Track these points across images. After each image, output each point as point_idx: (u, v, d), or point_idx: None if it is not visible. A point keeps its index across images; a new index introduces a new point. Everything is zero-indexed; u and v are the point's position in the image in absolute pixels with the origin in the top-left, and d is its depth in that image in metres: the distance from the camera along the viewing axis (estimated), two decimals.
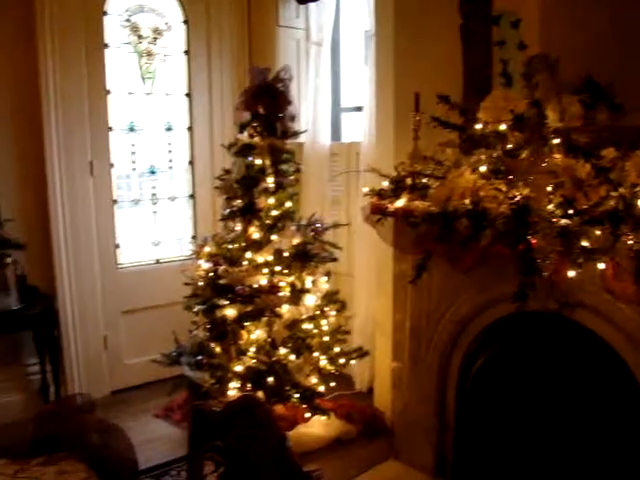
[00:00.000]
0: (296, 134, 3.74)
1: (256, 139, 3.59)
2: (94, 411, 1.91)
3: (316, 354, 3.68)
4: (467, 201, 2.58)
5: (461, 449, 3.16)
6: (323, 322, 3.72)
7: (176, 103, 4.54)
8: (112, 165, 4.28)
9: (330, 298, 3.78)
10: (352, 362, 3.90)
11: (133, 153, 4.39)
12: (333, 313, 3.77)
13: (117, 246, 4.40)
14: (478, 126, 2.70)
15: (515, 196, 2.46)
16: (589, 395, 2.64)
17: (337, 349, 3.77)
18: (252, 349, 3.60)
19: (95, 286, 4.25)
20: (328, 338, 3.74)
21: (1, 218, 3.81)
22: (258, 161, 3.59)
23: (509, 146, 2.62)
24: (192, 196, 4.68)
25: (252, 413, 1.47)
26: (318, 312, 3.70)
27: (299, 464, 1.34)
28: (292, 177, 3.72)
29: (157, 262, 4.60)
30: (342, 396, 4.14)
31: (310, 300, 3.66)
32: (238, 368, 3.58)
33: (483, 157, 2.67)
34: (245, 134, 3.64)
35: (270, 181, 3.59)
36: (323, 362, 3.72)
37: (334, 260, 3.79)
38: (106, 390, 4.37)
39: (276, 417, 1.47)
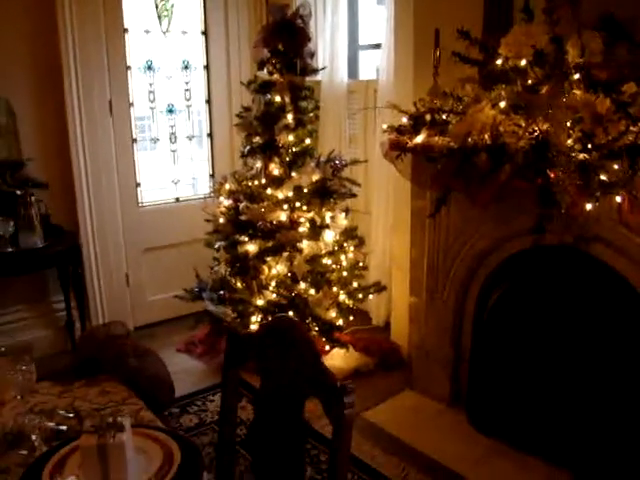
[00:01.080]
0: (315, 71, 3.75)
1: (275, 76, 3.60)
2: (129, 337, 2.00)
3: (335, 289, 3.76)
4: (486, 136, 2.60)
5: (475, 380, 3.27)
6: (342, 257, 3.80)
7: (193, 41, 4.53)
8: (131, 104, 4.30)
9: (349, 234, 3.85)
10: (370, 297, 3.99)
11: (151, 92, 4.41)
12: (352, 249, 3.84)
13: (138, 185, 4.46)
14: (498, 62, 2.70)
15: (534, 131, 2.48)
16: (603, 328, 2.71)
17: (355, 284, 3.86)
18: (273, 283, 3.70)
19: (117, 224, 4.33)
20: (347, 273, 3.82)
21: (23, 158, 3.86)
22: (277, 98, 3.61)
23: (529, 82, 2.63)
24: (210, 135, 4.71)
25: (287, 332, 1.55)
26: (337, 248, 3.78)
27: (334, 379, 1.42)
28: (311, 114, 3.74)
29: (177, 200, 4.66)
30: (360, 330, 4.24)
31: (329, 236, 3.73)
32: (260, 302, 3.68)
33: (503, 93, 2.69)
34: (264, 71, 3.65)
35: (290, 118, 3.62)
36: (342, 296, 3.81)
37: (353, 196, 3.84)
38: (129, 326, 4.49)
39: (311, 338, 1.54)
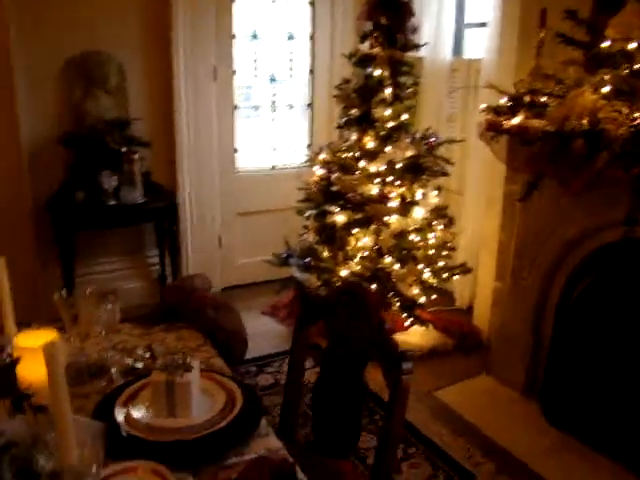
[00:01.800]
0: (417, 47, 3.73)
1: (376, 50, 3.60)
2: (210, 289, 2.10)
3: (420, 266, 3.76)
4: (585, 121, 2.53)
5: (552, 371, 3.21)
6: (430, 235, 3.79)
7: (299, 11, 4.59)
8: (234, 72, 4.42)
9: (438, 213, 3.83)
10: (455, 277, 3.97)
11: (255, 61, 4.50)
12: (440, 228, 3.82)
13: (236, 150, 4.59)
14: (605, 44, 2.61)
15: (636, 118, 2.40)
16: None
17: (441, 263, 3.84)
18: (358, 255, 3.74)
19: (213, 187, 4.48)
20: (433, 252, 3.81)
21: (129, 117, 4.06)
22: (377, 72, 3.62)
23: (636, 66, 2.53)
24: (310, 105, 4.77)
25: (356, 296, 1.59)
26: (425, 225, 3.77)
27: (397, 344, 1.46)
28: (410, 90, 3.73)
29: (273, 168, 4.77)
30: (442, 310, 4.23)
31: (418, 212, 3.72)
32: (344, 272, 3.73)
33: (607, 77, 2.60)
34: (366, 44, 3.66)
35: (388, 92, 3.62)
36: (426, 274, 3.80)
37: (445, 175, 3.82)
38: (218, 286, 4.65)
39: (378, 302, 1.59)
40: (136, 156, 3.87)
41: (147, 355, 1.65)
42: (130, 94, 4.08)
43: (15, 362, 1.27)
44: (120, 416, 1.42)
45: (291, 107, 4.73)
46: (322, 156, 3.92)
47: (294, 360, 1.86)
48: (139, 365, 1.68)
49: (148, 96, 4.16)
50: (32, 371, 1.30)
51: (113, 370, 1.66)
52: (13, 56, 3.72)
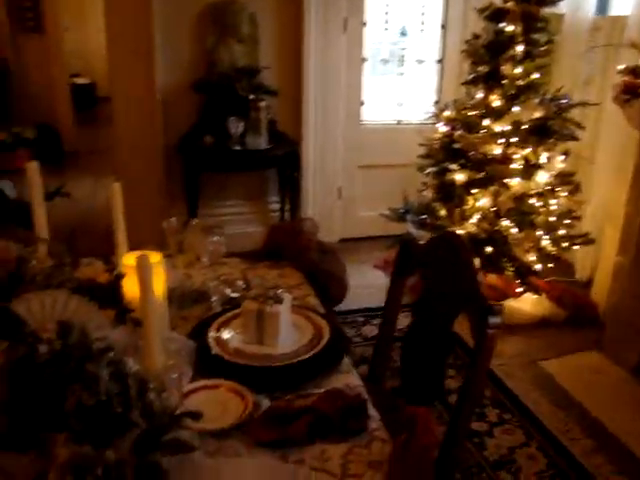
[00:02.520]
0: (554, 2, 3.55)
1: (510, 4, 3.47)
2: (317, 234, 2.16)
3: (539, 232, 3.65)
4: None
5: None
6: (552, 202, 3.65)
7: None
8: (365, 24, 4.41)
9: (564, 179, 3.68)
10: (575, 248, 3.82)
11: (386, 13, 4.46)
12: (564, 194, 3.68)
13: (362, 103, 4.60)
14: None
15: None
16: None
17: (562, 231, 3.71)
18: (476, 216, 3.68)
19: (337, 138, 4.53)
20: (554, 219, 3.68)
21: (259, 65, 4.17)
22: (509, 27, 3.49)
23: None
24: (440, 61, 4.68)
25: (452, 247, 1.59)
26: (548, 190, 3.64)
27: (486, 297, 1.45)
28: (543, 48, 3.57)
29: (398, 123, 4.75)
30: (558, 281, 4.09)
31: (542, 177, 3.60)
32: (459, 232, 3.68)
33: None
34: None
35: (519, 49, 3.49)
36: (545, 242, 3.69)
37: (575, 139, 3.65)
38: (335, 237, 4.73)
39: (471, 254, 1.58)
40: (263, 104, 3.97)
41: (243, 286, 1.74)
42: (261, 43, 4.18)
43: (120, 277, 1.39)
44: (212, 338, 1.52)
45: (420, 62, 4.67)
46: (447, 113, 3.86)
47: (388, 308, 1.90)
48: (237, 296, 1.77)
49: (278, 46, 4.24)
50: (136, 288, 1.41)
51: (214, 298, 1.76)
52: (153, 5, 3.91)
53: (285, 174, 4.28)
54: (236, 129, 3.90)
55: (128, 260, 1.42)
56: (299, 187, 4.39)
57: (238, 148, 3.91)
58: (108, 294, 1.39)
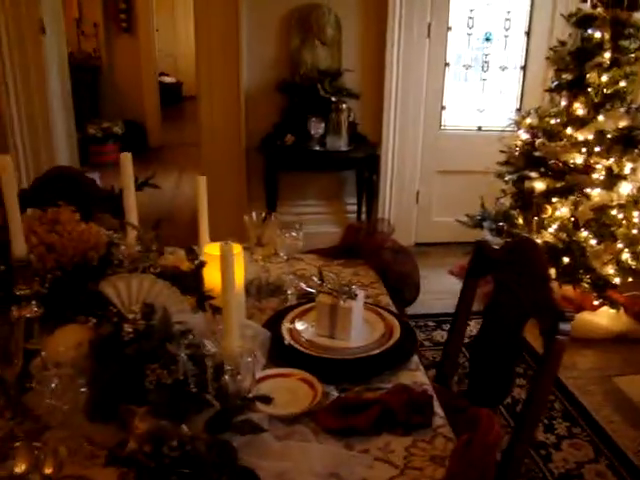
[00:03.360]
0: None
1: (599, 10, 3.40)
2: (392, 234, 2.19)
3: (619, 245, 3.56)
4: None
5: None
6: (635, 214, 3.56)
7: None
8: (449, 28, 4.40)
9: None
10: None
11: (471, 18, 4.44)
12: None
13: (443, 108, 4.60)
14: None
15: None
16: None
17: None
18: (554, 225, 3.62)
19: (416, 143, 4.54)
20: (637, 232, 3.58)
21: (341, 68, 4.23)
22: (597, 34, 3.42)
23: None
24: (523, 67, 4.62)
25: (526, 252, 1.60)
26: (631, 202, 3.54)
27: (558, 303, 1.45)
28: (632, 55, 3.47)
29: (478, 129, 4.71)
30: (638, 296, 3.97)
31: (625, 188, 3.50)
32: (536, 241, 3.63)
33: None
34: (588, 4, 3.47)
35: (606, 56, 3.42)
36: (626, 255, 3.59)
37: None
38: (410, 240, 4.74)
39: (546, 261, 1.58)
40: (344, 106, 4.04)
41: (318, 280, 1.79)
42: (344, 46, 4.25)
43: (201, 265, 1.46)
44: (286, 329, 1.58)
45: (503, 68, 4.62)
46: (528, 120, 3.81)
47: (459, 310, 1.91)
48: (312, 290, 1.82)
49: (361, 49, 4.29)
50: (216, 276, 1.48)
51: (289, 292, 1.82)
52: (241, 6, 4.03)
53: (363, 176, 4.32)
54: (317, 130, 3.97)
55: (210, 250, 1.49)
56: (377, 190, 4.42)
57: (318, 149, 3.99)
58: (190, 281, 1.46)
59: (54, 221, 1.45)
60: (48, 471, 1.19)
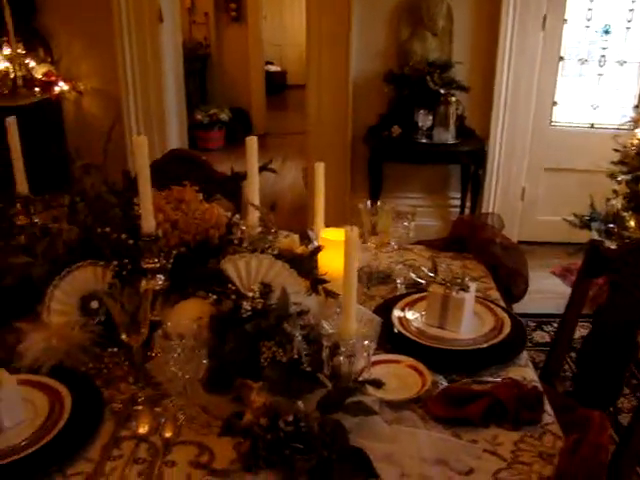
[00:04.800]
0: None
1: None
2: (502, 229, 2.16)
3: None
4: None
5: None
6: None
7: None
8: (565, 21, 4.26)
9: None
10: None
11: (589, 10, 4.28)
12: None
13: (554, 103, 4.46)
14: None
15: None
16: None
17: None
18: None
19: (525, 138, 4.43)
20: None
21: (451, 60, 4.18)
22: None
23: None
24: None
25: None
26: None
27: None
28: None
29: (591, 126, 4.54)
30: None
31: None
32: None
33: None
34: None
35: None
36: None
37: None
38: (513, 238, 4.60)
39: None
40: (453, 99, 4.00)
41: (432, 275, 1.79)
42: (455, 37, 4.20)
43: (317, 250, 1.49)
44: (396, 317, 1.59)
45: (622, 63, 4.42)
46: None
47: (568, 311, 1.86)
48: (422, 281, 1.83)
49: (472, 41, 4.23)
50: (330, 261, 1.51)
51: (398, 281, 1.84)
52: None
53: (469, 170, 4.27)
54: (424, 122, 3.95)
55: (327, 234, 1.52)
56: (482, 185, 4.35)
57: (424, 141, 3.97)
58: (305, 264, 1.49)
59: (179, 200, 1.52)
60: (168, 435, 1.25)
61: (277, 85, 10.83)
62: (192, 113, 7.03)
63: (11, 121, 1.72)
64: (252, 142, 1.53)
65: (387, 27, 4.24)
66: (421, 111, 3.97)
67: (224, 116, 7.57)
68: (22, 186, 1.75)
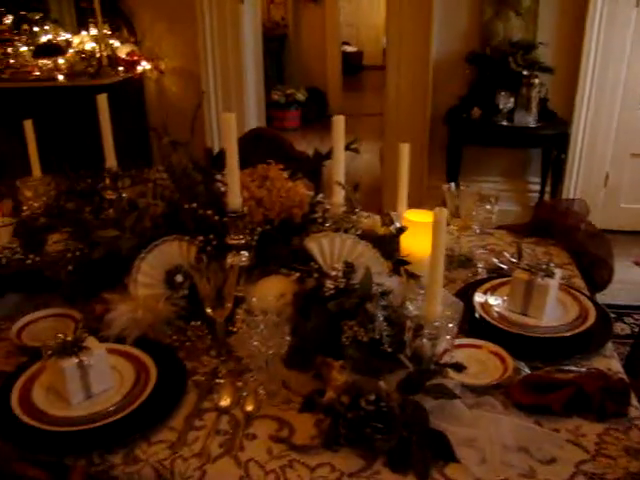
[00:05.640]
0: None
1: None
2: (587, 215, 2.10)
3: None
4: None
5: None
6: None
7: None
8: None
9: None
10: None
11: None
12: None
13: None
14: None
15: None
16: None
17: None
18: None
19: (611, 122, 4.27)
20: None
21: (535, 40, 4.05)
22: None
23: None
24: None
25: None
26: None
27: None
28: None
29: None
30: None
31: None
32: None
33: None
34: None
35: None
36: None
37: None
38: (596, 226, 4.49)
39: None
40: (536, 80, 3.89)
41: (514, 260, 1.76)
42: (540, 17, 4.06)
43: (400, 231, 1.48)
44: (477, 301, 1.57)
45: None
46: None
47: None
48: (504, 267, 1.80)
49: (558, 20, 4.08)
50: (413, 243, 1.50)
51: (479, 265, 1.81)
52: None
53: (550, 155, 4.16)
54: (505, 104, 3.86)
55: (411, 216, 1.51)
56: (563, 170, 4.23)
57: (505, 124, 3.88)
58: (387, 245, 1.49)
59: (264, 177, 1.53)
60: (249, 408, 1.28)
61: (353, 66, 10.79)
62: (269, 93, 7.08)
63: (102, 98, 1.77)
64: (339, 121, 1.53)
65: (469, 7, 4.15)
66: (502, 93, 3.88)
67: (300, 96, 7.59)
68: (111, 161, 1.80)
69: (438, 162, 4.20)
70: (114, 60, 4.62)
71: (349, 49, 11.01)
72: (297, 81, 8.02)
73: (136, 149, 4.53)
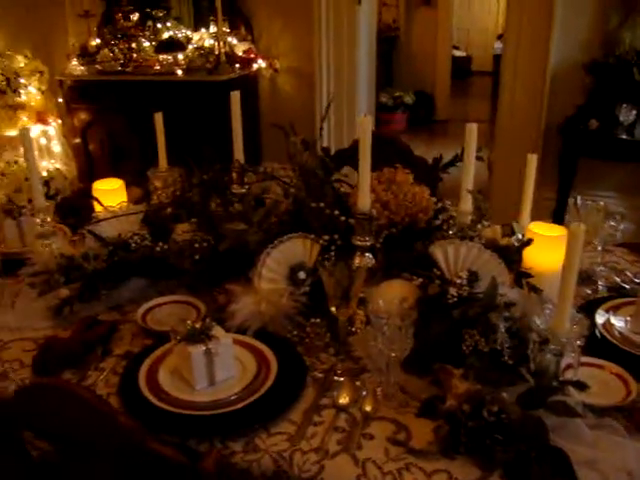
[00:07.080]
0: None
1: None
2: None
3: None
4: None
5: None
6: None
7: None
8: None
9: None
10: None
11: None
12: None
13: None
14: None
15: None
16: None
17: None
18: None
19: None
20: None
21: None
22: None
23: None
24: None
25: None
26: None
27: None
28: None
29: None
30: None
31: None
32: None
33: None
34: None
35: None
36: None
37: None
38: None
39: None
40: None
41: (637, 278, 1.71)
42: None
43: (527, 243, 1.47)
44: (599, 320, 1.54)
45: None
46: None
47: None
48: (626, 286, 1.74)
49: None
50: (536, 256, 1.49)
51: (600, 282, 1.76)
52: None
53: None
54: (627, 117, 3.72)
55: (536, 228, 1.50)
56: None
57: (625, 137, 3.74)
58: (510, 256, 1.48)
59: (391, 181, 1.55)
60: (367, 408, 1.30)
61: (462, 70, 10.65)
62: (377, 95, 7.09)
63: (235, 95, 1.84)
64: (472, 129, 1.54)
65: (593, 14, 4.01)
66: (624, 105, 3.73)
67: (408, 99, 7.57)
68: (239, 154, 1.86)
69: (549, 173, 4.09)
70: (231, 57, 4.74)
71: (458, 54, 10.87)
72: (405, 84, 8.00)
73: (247, 145, 4.64)
